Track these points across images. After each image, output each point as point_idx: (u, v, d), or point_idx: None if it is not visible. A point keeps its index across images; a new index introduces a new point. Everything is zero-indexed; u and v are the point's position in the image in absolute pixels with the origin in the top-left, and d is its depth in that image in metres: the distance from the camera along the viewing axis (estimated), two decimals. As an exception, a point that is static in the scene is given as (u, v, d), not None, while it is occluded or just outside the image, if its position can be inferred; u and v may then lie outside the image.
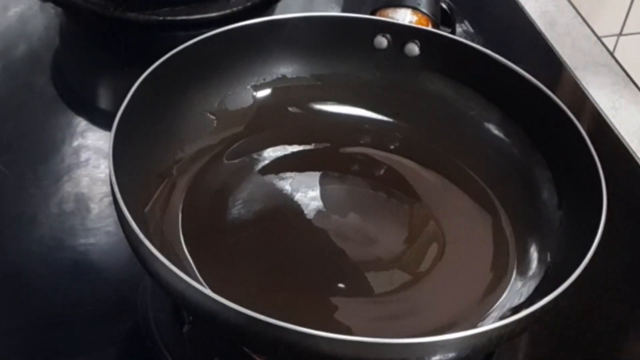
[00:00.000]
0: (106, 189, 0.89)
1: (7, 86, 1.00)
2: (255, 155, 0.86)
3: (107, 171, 0.90)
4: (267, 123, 0.88)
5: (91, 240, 0.85)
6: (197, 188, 0.82)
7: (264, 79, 0.89)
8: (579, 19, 1.13)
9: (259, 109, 0.88)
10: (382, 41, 0.89)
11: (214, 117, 0.86)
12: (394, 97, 0.90)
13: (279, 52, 0.88)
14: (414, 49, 0.88)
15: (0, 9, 1.06)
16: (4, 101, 0.98)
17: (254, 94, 0.89)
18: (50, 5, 1.04)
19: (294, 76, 0.89)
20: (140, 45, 1.04)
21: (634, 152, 0.97)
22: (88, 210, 0.88)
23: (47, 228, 0.86)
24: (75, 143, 0.94)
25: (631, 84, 1.06)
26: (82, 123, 0.96)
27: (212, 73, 0.86)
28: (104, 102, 1.05)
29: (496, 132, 0.87)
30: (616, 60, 1.08)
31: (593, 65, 1.07)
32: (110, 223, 0.86)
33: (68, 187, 0.89)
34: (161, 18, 1.00)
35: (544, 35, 1.09)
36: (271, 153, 0.87)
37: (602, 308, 0.85)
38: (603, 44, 1.10)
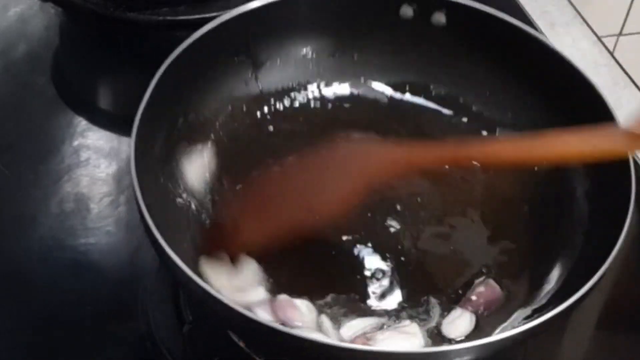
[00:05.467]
0: (106, 188, 0.89)
1: (7, 86, 1.00)
2: (277, 136, 0.85)
3: (107, 171, 0.90)
4: (292, 104, 0.88)
5: (91, 240, 0.85)
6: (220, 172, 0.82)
7: (290, 55, 0.87)
8: (579, 19, 1.13)
9: (283, 86, 0.88)
10: (407, 11, 0.87)
11: (238, 97, 0.85)
12: (421, 67, 0.89)
13: (303, 26, 0.87)
14: (441, 18, 0.87)
15: (0, 9, 1.06)
16: (4, 101, 0.98)
17: (279, 70, 0.87)
18: (50, 5, 1.04)
19: (318, 52, 0.88)
20: (140, 45, 1.04)
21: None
22: (88, 210, 0.88)
23: (47, 228, 0.86)
24: (75, 143, 0.94)
25: (631, 84, 1.06)
26: (82, 123, 0.96)
27: (234, 53, 0.85)
28: (104, 102, 1.05)
29: (525, 102, 0.85)
30: (616, 60, 1.08)
31: (593, 65, 1.07)
32: (110, 223, 0.86)
33: (68, 187, 0.89)
34: (161, 18, 1.00)
35: (544, 35, 1.09)
36: (296, 136, 0.86)
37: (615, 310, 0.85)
38: (603, 44, 1.10)
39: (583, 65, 1.06)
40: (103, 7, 1.00)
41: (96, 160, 0.92)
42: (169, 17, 1.00)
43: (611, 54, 1.09)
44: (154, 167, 0.76)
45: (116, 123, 0.95)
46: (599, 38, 1.11)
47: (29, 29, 1.05)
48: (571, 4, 1.14)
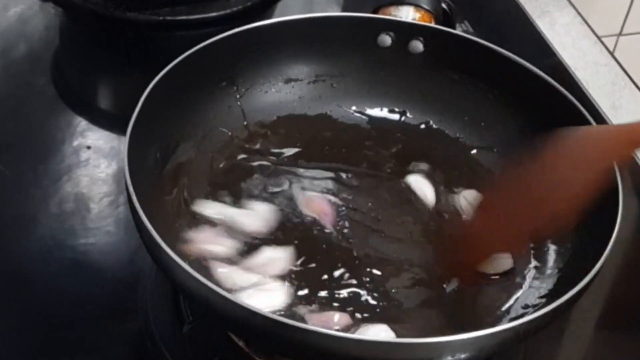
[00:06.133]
0: (106, 188, 0.89)
1: (7, 86, 1.00)
2: (262, 157, 0.86)
3: (107, 171, 0.90)
4: (275, 125, 0.89)
5: (91, 240, 0.85)
6: (212, 186, 0.83)
7: (270, 82, 0.89)
8: (579, 19, 1.13)
9: (266, 111, 0.89)
10: (385, 39, 0.89)
11: (222, 121, 0.87)
12: (400, 94, 0.90)
13: (284, 54, 0.89)
14: (418, 46, 0.88)
15: (0, 9, 1.06)
16: (4, 101, 0.98)
17: (260, 96, 0.89)
18: (50, 5, 1.04)
19: (299, 78, 0.90)
20: (140, 45, 1.04)
21: (634, 152, 0.97)
22: (88, 210, 0.88)
23: (47, 228, 0.86)
24: (75, 143, 0.94)
25: (631, 84, 1.06)
26: (82, 123, 0.96)
27: (218, 77, 0.86)
28: (104, 102, 1.05)
29: (505, 125, 0.87)
30: (616, 60, 1.08)
31: (593, 65, 1.07)
32: (110, 223, 0.86)
33: (68, 187, 0.89)
34: (161, 18, 1.00)
35: (544, 35, 1.09)
36: (280, 152, 0.87)
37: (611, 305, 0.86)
38: (603, 44, 1.10)
39: (583, 65, 1.06)
40: (103, 7, 1.00)
41: (96, 160, 0.92)
42: (169, 17, 1.00)
43: (611, 54, 1.09)
44: (148, 175, 0.78)
45: (116, 123, 0.95)
46: (599, 38, 1.11)
47: (29, 29, 1.05)
48: (571, 4, 1.14)
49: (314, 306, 0.74)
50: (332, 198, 0.83)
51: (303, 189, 0.84)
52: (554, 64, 1.05)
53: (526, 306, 0.76)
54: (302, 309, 0.74)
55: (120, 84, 1.03)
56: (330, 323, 0.73)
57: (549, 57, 1.07)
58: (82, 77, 1.04)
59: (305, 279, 0.76)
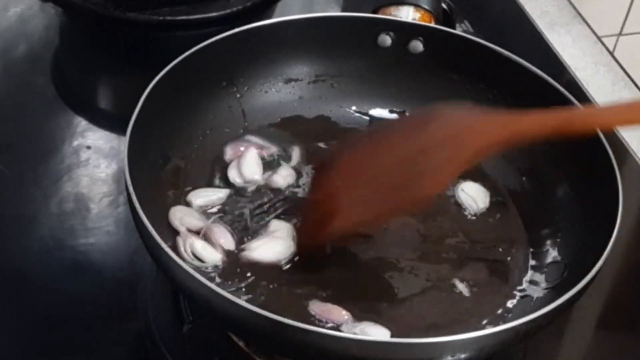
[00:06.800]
0: (106, 188, 0.89)
1: (7, 86, 1.00)
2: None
3: (107, 171, 0.90)
4: (275, 125, 0.89)
5: (91, 240, 0.85)
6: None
7: (270, 82, 0.89)
8: (579, 19, 1.13)
9: (266, 111, 0.89)
10: (385, 39, 0.89)
11: (222, 121, 0.87)
12: (400, 94, 0.90)
13: (284, 54, 0.89)
14: (418, 45, 0.89)
15: (0, 9, 1.06)
16: (4, 101, 0.98)
17: (260, 97, 0.89)
18: (50, 5, 1.04)
19: (299, 78, 0.90)
20: (140, 45, 1.04)
21: (634, 153, 0.97)
22: (88, 210, 0.88)
23: (47, 228, 0.86)
24: (75, 143, 0.94)
25: (631, 84, 1.06)
26: (82, 123, 0.96)
27: (218, 77, 0.86)
28: (104, 102, 1.05)
29: None
30: (616, 60, 1.08)
31: (593, 65, 1.07)
32: (110, 223, 0.86)
33: (68, 187, 0.89)
34: (161, 18, 1.00)
35: (544, 35, 1.09)
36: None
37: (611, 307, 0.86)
38: (603, 44, 1.10)
39: (583, 65, 1.07)
40: (103, 7, 1.00)
41: (96, 160, 0.92)
42: (169, 17, 1.00)
43: (611, 54, 1.09)
44: (148, 175, 0.78)
45: (116, 123, 0.95)
46: (599, 38, 1.11)
47: (29, 29, 1.05)
48: (571, 4, 1.14)
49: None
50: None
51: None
52: (554, 64, 1.05)
53: (526, 306, 0.76)
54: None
55: (120, 84, 1.03)
56: (331, 315, 0.73)
57: (549, 57, 1.07)
58: (82, 77, 1.04)
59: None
